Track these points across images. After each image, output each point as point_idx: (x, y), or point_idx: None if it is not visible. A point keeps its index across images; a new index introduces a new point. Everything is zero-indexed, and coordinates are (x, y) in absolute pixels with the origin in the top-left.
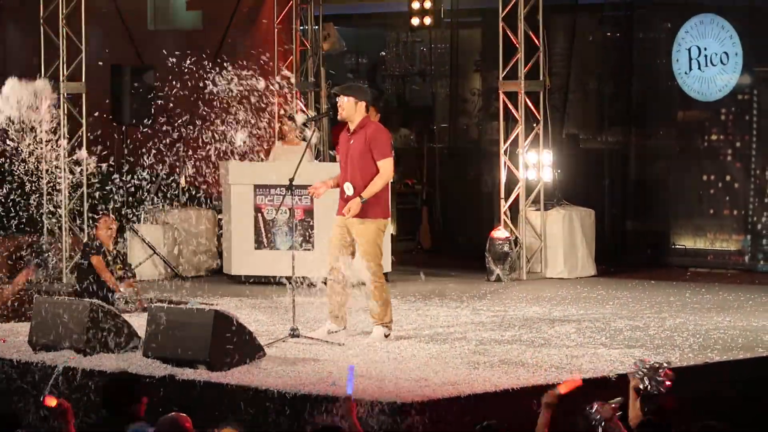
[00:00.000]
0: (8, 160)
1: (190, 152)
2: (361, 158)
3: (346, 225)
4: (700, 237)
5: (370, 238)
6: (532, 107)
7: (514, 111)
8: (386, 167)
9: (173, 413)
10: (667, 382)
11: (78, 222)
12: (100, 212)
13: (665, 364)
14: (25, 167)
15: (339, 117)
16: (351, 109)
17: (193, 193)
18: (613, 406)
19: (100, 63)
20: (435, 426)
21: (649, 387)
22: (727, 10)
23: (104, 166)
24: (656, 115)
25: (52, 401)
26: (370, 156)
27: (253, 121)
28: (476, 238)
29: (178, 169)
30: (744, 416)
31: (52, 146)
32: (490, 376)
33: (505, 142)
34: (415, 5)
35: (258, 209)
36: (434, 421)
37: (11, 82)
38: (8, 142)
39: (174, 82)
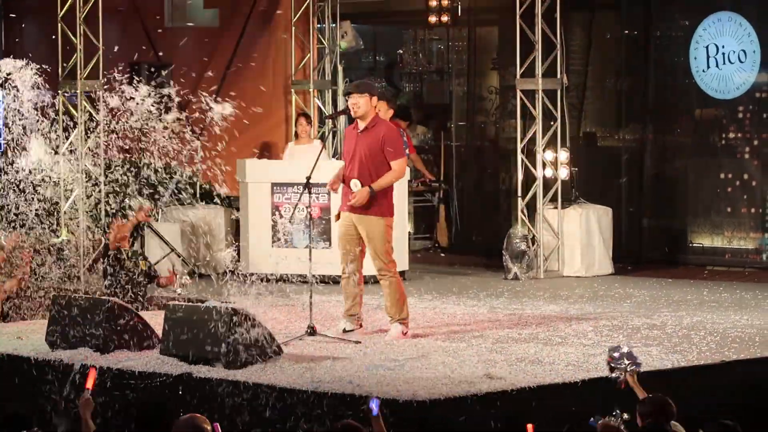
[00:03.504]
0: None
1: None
2: (371, 157)
3: (353, 221)
4: (717, 235)
5: (378, 235)
6: (550, 105)
7: (531, 109)
8: (400, 167)
9: (191, 414)
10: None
11: (95, 221)
12: (117, 212)
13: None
14: (43, 166)
15: (354, 115)
16: (367, 105)
17: (210, 190)
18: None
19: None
20: (451, 424)
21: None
22: (745, 7)
23: (121, 164)
24: (674, 113)
25: (90, 381)
26: (382, 155)
27: None
28: (493, 236)
29: (195, 167)
30: (760, 415)
31: (69, 146)
32: (506, 374)
33: (522, 140)
34: (433, 3)
35: (275, 207)
36: (451, 419)
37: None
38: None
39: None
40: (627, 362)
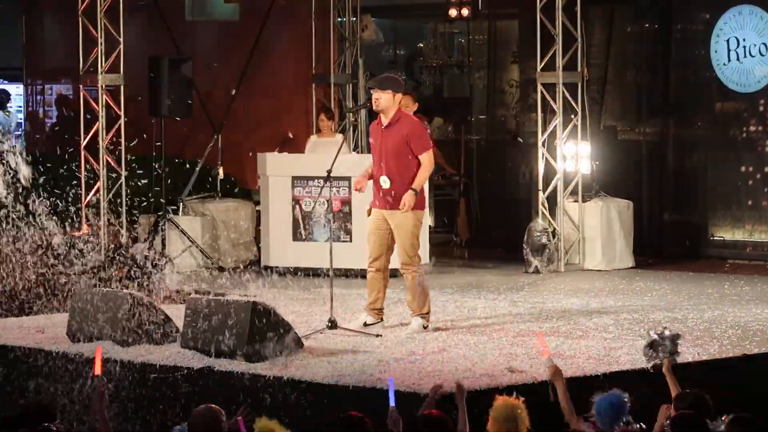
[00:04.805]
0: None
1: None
2: (397, 153)
3: (384, 216)
4: (738, 228)
5: (408, 228)
6: (570, 99)
7: (552, 102)
8: (429, 159)
9: (205, 405)
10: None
11: (116, 215)
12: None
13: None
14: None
15: (375, 109)
16: (389, 102)
17: (232, 183)
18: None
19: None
20: (473, 417)
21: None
22: (766, 0)
23: (142, 157)
24: (694, 106)
25: (98, 366)
26: (408, 150)
27: None
28: (514, 229)
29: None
30: None
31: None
32: (528, 367)
33: (543, 134)
34: None
35: (296, 201)
36: (473, 413)
37: None
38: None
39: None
40: (669, 346)
